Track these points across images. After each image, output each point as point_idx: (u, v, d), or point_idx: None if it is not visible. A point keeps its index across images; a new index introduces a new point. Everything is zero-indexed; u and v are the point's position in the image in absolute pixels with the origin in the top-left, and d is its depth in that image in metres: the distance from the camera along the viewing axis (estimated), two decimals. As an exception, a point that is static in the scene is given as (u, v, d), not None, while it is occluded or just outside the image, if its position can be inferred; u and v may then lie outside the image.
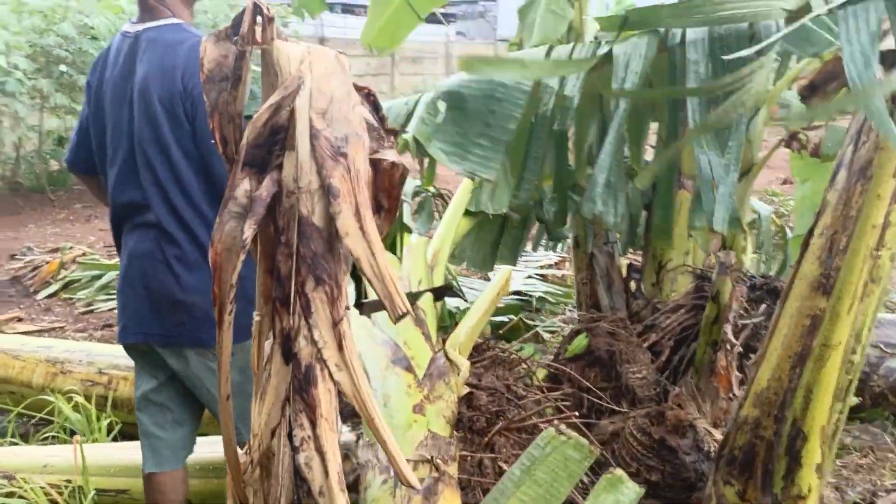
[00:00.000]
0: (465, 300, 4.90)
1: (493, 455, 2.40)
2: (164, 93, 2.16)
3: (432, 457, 2.04)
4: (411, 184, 3.85)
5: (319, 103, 1.06)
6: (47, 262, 6.00)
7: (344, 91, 1.09)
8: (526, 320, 4.58)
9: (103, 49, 2.41)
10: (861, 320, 2.45)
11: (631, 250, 4.29)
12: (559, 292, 5.15)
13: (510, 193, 3.41)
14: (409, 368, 2.39)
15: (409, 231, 3.25)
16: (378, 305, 2.59)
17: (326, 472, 1.03)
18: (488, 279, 5.58)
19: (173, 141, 2.17)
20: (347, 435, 2.66)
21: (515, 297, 5.03)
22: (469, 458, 2.38)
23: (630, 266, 4.21)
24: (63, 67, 8.16)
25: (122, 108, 2.24)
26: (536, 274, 5.53)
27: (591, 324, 3.43)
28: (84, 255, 6.17)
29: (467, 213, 3.38)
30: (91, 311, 5.27)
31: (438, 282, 2.87)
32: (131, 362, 2.43)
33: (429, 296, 2.71)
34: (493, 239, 3.84)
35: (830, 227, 2.46)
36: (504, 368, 2.75)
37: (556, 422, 2.69)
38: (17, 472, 2.54)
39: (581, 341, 3.28)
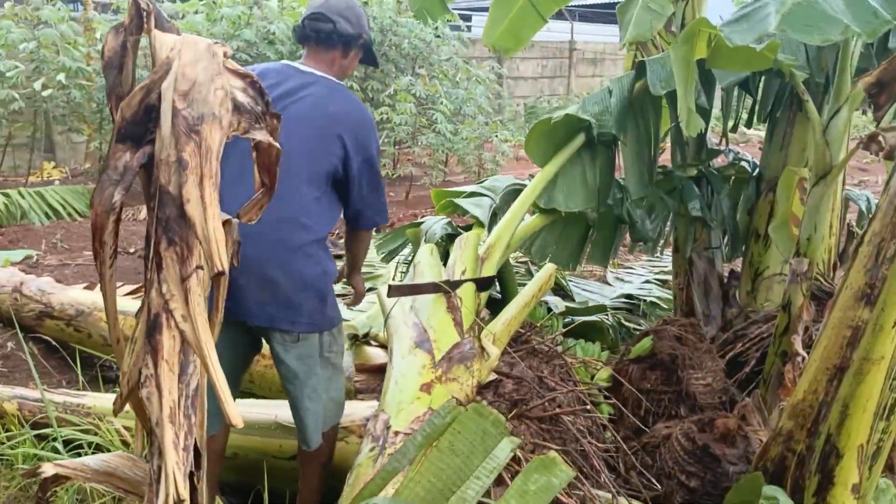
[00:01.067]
0: (574, 300, 4.90)
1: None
2: (323, 127, 2.46)
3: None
4: (505, 180, 3.93)
5: (182, 86, 1.22)
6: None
7: (207, 76, 1.24)
8: (626, 323, 4.51)
9: (262, 66, 2.63)
10: (909, 335, 2.27)
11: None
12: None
13: (587, 192, 3.42)
14: (429, 351, 2.51)
15: (482, 225, 3.34)
16: (404, 290, 2.73)
17: (162, 407, 1.19)
18: (606, 282, 5.53)
19: (319, 158, 2.47)
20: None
21: (624, 300, 4.96)
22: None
23: (731, 273, 4.05)
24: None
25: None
26: (656, 279, 5.40)
27: (660, 327, 3.36)
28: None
29: (541, 210, 3.42)
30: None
31: (489, 274, 2.95)
32: None
33: (471, 286, 2.81)
34: (578, 237, 3.84)
35: (878, 235, 2.31)
36: (541, 360, 2.79)
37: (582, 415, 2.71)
38: (104, 415, 2.94)
39: (645, 344, 3.22)
